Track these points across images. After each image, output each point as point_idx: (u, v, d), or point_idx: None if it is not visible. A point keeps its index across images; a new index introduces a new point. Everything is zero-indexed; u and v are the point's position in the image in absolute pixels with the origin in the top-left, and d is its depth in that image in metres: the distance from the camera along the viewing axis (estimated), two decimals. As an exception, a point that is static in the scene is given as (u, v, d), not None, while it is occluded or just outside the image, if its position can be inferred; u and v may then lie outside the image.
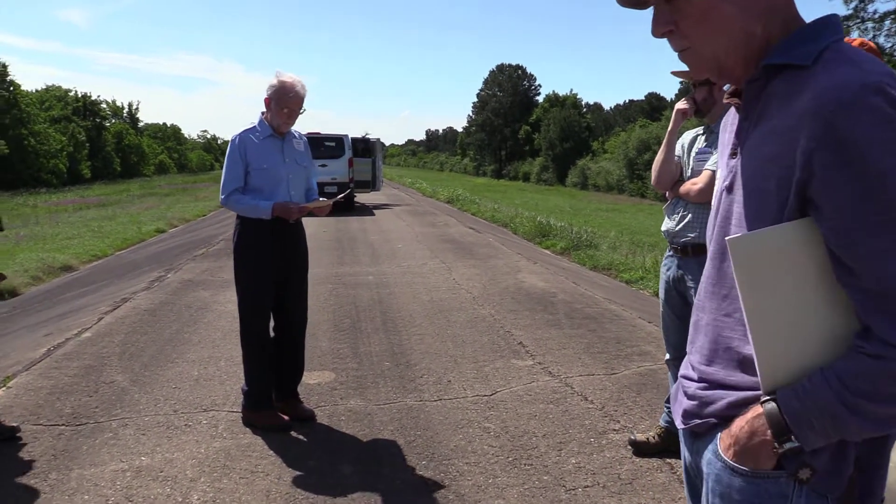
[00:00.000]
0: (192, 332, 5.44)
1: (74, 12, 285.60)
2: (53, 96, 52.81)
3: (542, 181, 55.56)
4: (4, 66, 41.44)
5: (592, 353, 4.91)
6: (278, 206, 3.45)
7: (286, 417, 3.60)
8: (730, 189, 1.11)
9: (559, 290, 7.24)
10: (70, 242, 12.56)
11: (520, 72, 74.06)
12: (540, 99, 70.44)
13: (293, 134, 3.66)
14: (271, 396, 3.63)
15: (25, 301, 7.92)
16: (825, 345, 1.00)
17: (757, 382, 1.04)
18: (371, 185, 20.10)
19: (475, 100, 76.12)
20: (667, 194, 3.11)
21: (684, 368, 1.23)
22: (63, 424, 3.56)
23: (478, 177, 68.06)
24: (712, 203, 1.18)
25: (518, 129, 68.44)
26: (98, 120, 57.63)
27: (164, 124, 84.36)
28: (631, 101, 76.15)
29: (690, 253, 2.99)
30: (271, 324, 3.68)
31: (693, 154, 2.97)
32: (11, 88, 41.56)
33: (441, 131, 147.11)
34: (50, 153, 42.59)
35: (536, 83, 73.98)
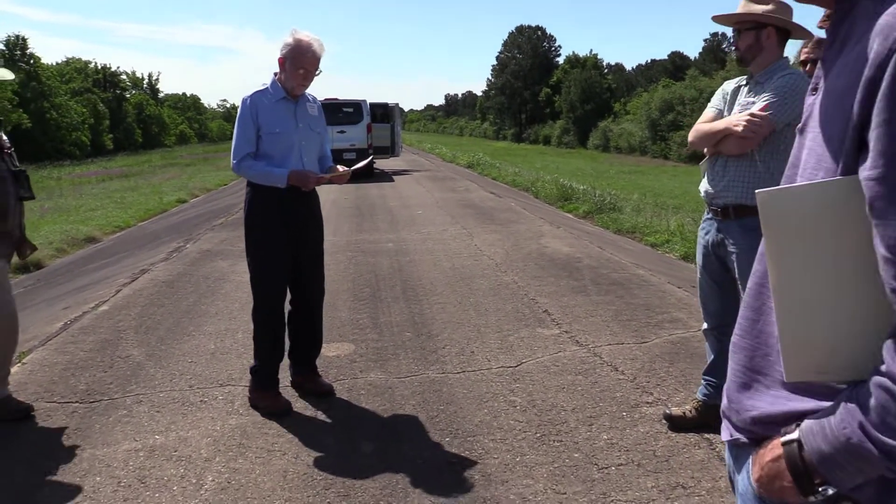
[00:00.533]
0: (210, 303, 5.34)
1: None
2: (73, 69, 52.79)
3: (563, 144, 54.67)
4: (24, 40, 41.56)
5: (621, 321, 4.72)
6: (294, 174, 3.25)
7: (290, 397, 3.45)
8: (802, 130, 0.92)
9: (584, 254, 7.03)
10: (93, 214, 12.57)
11: (539, 33, 72.54)
12: (560, 60, 69.10)
13: (307, 98, 3.44)
14: (276, 377, 3.45)
15: (49, 273, 7.91)
16: (861, 338, 0.80)
17: (782, 374, 0.87)
18: (390, 150, 19.87)
19: (494, 63, 75.03)
20: (705, 150, 2.87)
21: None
22: (77, 402, 3.47)
23: (498, 141, 67.27)
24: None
25: (538, 92, 67.26)
26: (118, 91, 57.77)
27: (184, 94, 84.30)
28: (653, 61, 74.45)
29: (732, 215, 2.76)
30: (287, 297, 3.52)
31: (736, 106, 2.71)
32: (32, 62, 41.67)
33: (460, 96, 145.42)
34: (72, 125, 42.77)
35: (556, 44, 72.64)
